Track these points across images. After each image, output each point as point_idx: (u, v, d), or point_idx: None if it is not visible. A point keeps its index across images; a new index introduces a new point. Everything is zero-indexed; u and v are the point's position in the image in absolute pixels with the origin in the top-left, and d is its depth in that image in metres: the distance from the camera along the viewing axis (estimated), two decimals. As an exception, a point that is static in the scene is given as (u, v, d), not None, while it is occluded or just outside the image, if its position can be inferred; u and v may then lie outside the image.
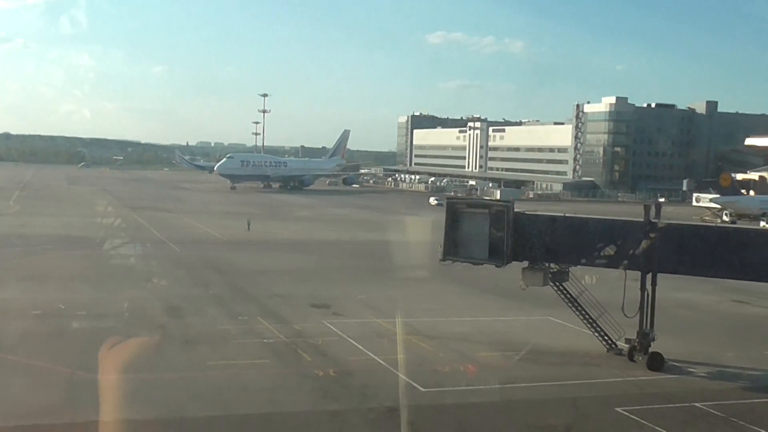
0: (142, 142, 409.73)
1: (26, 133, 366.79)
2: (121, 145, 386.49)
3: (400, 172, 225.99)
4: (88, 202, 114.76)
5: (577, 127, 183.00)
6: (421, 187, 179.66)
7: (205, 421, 24.90)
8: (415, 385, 28.30)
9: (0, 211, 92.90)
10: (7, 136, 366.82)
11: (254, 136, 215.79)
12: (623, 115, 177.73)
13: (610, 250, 32.49)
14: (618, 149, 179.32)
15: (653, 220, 32.44)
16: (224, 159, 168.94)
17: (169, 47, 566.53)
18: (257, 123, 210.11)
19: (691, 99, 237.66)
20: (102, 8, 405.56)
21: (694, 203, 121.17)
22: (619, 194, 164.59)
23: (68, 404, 25.52)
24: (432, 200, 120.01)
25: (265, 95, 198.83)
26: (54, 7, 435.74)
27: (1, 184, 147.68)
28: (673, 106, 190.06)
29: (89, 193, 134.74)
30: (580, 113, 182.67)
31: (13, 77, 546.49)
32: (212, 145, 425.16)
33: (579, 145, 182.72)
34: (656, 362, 31.79)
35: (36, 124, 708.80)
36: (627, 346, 33.05)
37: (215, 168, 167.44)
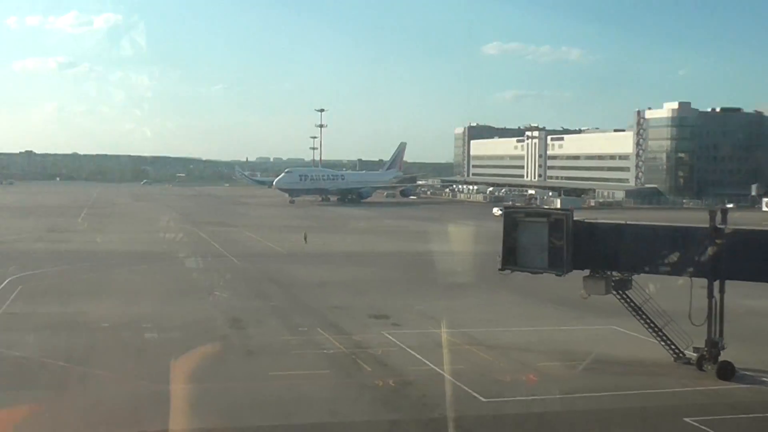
0: (203, 159, 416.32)
1: (93, 153, 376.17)
2: (183, 162, 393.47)
3: (457, 182, 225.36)
4: (152, 218, 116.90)
5: (638, 133, 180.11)
6: (480, 197, 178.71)
7: (267, 431, 24.96)
8: (476, 395, 28.00)
9: (69, 229, 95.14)
10: (75, 157, 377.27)
11: (312, 151, 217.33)
12: (686, 120, 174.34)
13: (674, 258, 31.70)
14: (682, 155, 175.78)
15: (719, 226, 31.60)
16: (283, 174, 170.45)
17: (226, 66, 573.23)
18: (314, 137, 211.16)
19: (759, 102, 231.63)
20: (160, 30, 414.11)
21: (764, 208, 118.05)
22: (683, 201, 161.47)
23: (134, 414, 25.93)
24: (495, 210, 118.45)
25: (321, 110, 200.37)
26: (115, 30, 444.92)
27: (70, 203, 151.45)
28: (738, 109, 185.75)
29: (153, 210, 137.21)
30: (641, 120, 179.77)
31: (79, 100, 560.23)
32: (271, 160, 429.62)
33: (641, 151, 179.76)
34: (726, 371, 30.84)
35: (102, 144, 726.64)
36: (695, 355, 32.18)
37: (274, 183, 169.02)
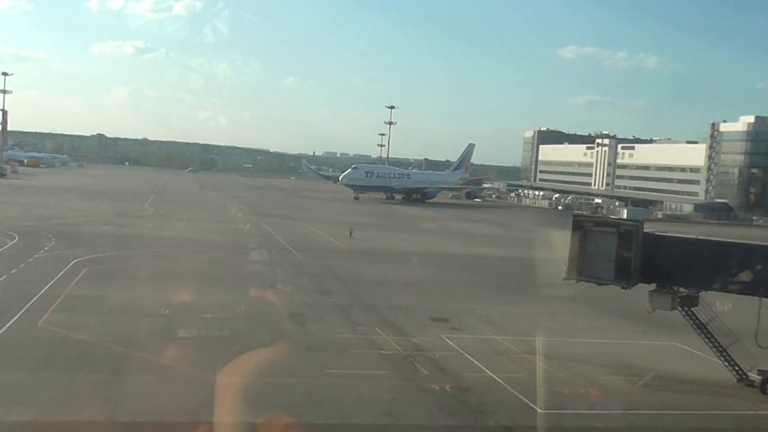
0: (271, 150, 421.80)
1: (163, 139, 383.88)
2: (251, 153, 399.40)
3: (523, 187, 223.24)
4: (218, 207, 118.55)
5: (711, 146, 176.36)
6: (545, 203, 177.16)
7: (323, 429, 25.08)
8: (533, 405, 27.71)
9: (136, 214, 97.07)
10: (145, 142, 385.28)
11: (379, 148, 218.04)
12: (763, 135, 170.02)
13: (744, 276, 30.98)
14: (755, 171, 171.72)
15: (793, 246, 30.79)
16: (349, 169, 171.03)
17: (301, 58, 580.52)
18: (383, 135, 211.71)
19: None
20: (236, 19, 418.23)
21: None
22: (754, 218, 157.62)
23: (189, 403, 26.20)
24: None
25: (392, 107, 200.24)
26: (193, 17, 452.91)
27: (138, 188, 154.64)
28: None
29: (219, 199, 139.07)
30: (715, 132, 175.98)
31: (153, 85, 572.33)
32: (338, 155, 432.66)
33: (713, 165, 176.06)
34: (791, 397, 30.09)
35: (173, 131, 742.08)
36: (759, 377, 31.41)
37: (340, 178, 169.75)
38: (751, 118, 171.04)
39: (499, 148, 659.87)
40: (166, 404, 26.14)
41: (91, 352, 31.72)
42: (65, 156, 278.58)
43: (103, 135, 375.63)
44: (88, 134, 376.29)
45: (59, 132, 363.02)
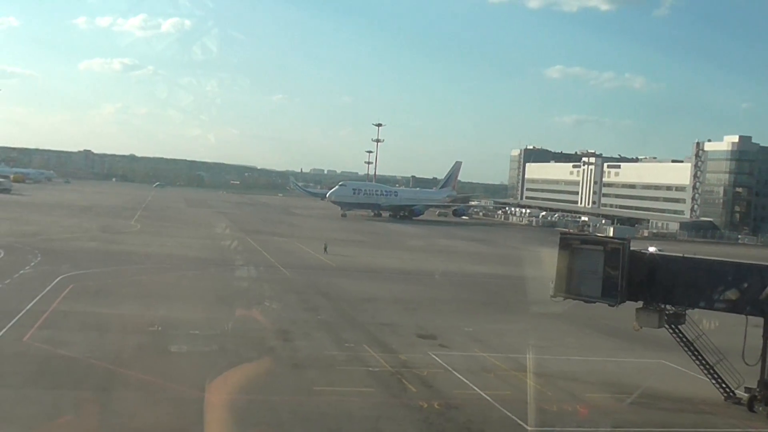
0: (259, 167, 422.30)
1: (151, 155, 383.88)
2: (239, 169, 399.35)
3: (510, 205, 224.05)
4: (205, 223, 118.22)
5: (696, 165, 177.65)
6: (532, 221, 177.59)
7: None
8: (521, 423, 27.67)
9: (123, 230, 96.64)
10: (132, 158, 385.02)
11: (366, 165, 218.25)
12: (747, 155, 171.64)
13: (731, 294, 31.08)
14: (740, 190, 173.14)
15: (780, 264, 30.93)
16: (336, 186, 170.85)
17: (289, 76, 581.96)
18: (370, 152, 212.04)
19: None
20: (224, 37, 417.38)
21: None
22: (739, 236, 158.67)
23: (175, 421, 26.05)
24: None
25: (379, 125, 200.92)
26: (182, 35, 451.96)
27: (125, 204, 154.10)
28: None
29: (206, 216, 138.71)
30: (700, 152, 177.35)
31: (141, 102, 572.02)
32: (325, 172, 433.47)
33: (698, 184, 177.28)
34: (778, 414, 30.16)
35: (161, 148, 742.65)
36: (747, 395, 31.48)
37: (327, 195, 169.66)
38: (735, 138, 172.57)
39: (486, 165, 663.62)
40: (152, 421, 25.90)
41: (76, 368, 31.48)
42: (52, 172, 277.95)
43: (90, 151, 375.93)
44: (75, 150, 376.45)
45: (46, 148, 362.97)
